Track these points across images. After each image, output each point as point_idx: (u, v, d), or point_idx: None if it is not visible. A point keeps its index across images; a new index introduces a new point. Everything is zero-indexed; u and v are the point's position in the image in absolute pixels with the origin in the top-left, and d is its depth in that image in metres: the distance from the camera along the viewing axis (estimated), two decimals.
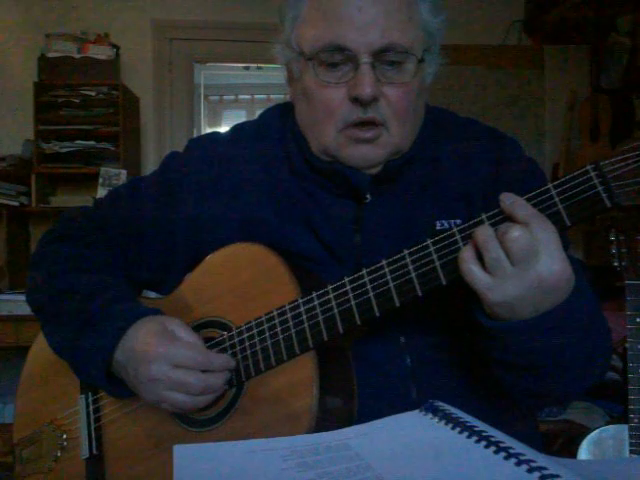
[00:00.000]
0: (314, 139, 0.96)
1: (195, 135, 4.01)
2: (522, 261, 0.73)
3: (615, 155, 0.73)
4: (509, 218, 0.75)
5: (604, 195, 0.73)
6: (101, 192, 3.28)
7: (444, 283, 0.79)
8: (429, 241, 0.80)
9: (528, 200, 0.76)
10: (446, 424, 0.65)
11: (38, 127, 3.40)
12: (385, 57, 0.89)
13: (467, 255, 0.76)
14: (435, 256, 0.79)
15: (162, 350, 0.87)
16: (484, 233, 0.75)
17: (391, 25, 0.88)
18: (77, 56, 3.45)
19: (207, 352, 0.89)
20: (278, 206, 0.98)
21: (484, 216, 0.77)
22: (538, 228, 0.73)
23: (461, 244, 0.78)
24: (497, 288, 0.74)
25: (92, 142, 3.45)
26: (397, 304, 0.81)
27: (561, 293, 0.76)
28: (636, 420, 1.66)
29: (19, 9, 3.71)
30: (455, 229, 0.79)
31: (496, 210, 0.77)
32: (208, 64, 4.61)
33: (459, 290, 0.78)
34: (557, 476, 0.52)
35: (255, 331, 0.89)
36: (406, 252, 0.81)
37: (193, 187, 1.03)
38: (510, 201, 0.75)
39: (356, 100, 0.89)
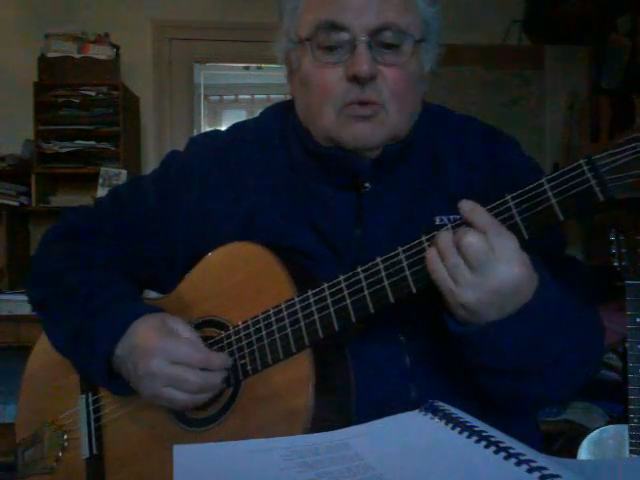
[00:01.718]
0: (315, 125, 0.96)
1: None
2: (480, 267, 0.74)
3: (609, 149, 0.73)
4: (468, 225, 0.76)
5: (597, 189, 0.73)
6: (101, 192, 3.28)
7: None
8: (423, 237, 0.81)
9: (522, 194, 0.76)
10: (446, 424, 0.65)
11: (38, 127, 3.40)
12: (382, 37, 0.90)
13: (432, 255, 0.77)
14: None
15: (162, 346, 0.87)
16: (444, 240, 0.77)
17: (387, 7, 0.90)
18: (77, 56, 3.45)
19: (206, 350, 0.89)
20: (279, 202, 0.98)
21: (449, 226, 0.79)
22: (494, 234, 0.74)
23: None
24: (458, 292, 0.76)
25: (92, 142, 3.45)
26: (392, 301, 0.82)
27: (523, 295, 0.77)
28: (636, 420, 1.66)
29: (19, 9, 3.71)
30: (449, 225, 0.80)
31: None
32: (208, 64, 4.61)
33: None
34: (557, 476, 0.52)
35: (252, 330, 0.90)
36: (400, 249, 0.81)
37: (194, 185, 1.03)
38: (469, 208, 0.76)
39: (354, 79, 0.90)
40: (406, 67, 0.92)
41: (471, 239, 0.74)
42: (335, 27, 0.90)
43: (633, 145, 0.71)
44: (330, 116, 0.93)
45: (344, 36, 0.90)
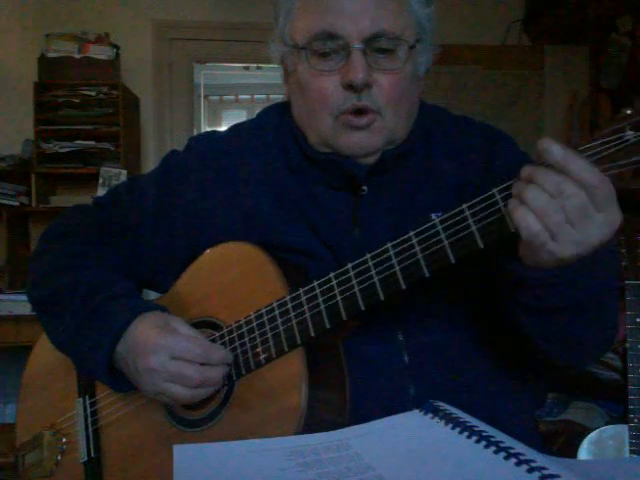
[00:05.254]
0: (311, 130, 0.97)
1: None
2: (582, 222, 0.69)
3: (595, 139, 0.71)
4: (561, 171, 0.69)
5: None
6: (101, 192, 3.28)
7: (427, 275, 0.79)
8: (411, 233, 0.80)
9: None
10: (446, 424, 0.65)
11: (38, 127, 3.40)
12: (376, 44, 0.90)
13: (522, 214, 0.70)
14: (418, 248, 0.79)
15: (162, 341, 0.87)
16: (541, 198, 0.68)
17: (381, 13, 0.90)
18: (77, 56, 3.45)
19: (207, 345, 0.89)
20: (276, 202, 0.98)
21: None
22: (596, 183, 0.68)
23: (443, 235, 0.77)
24: (558, 249, 0.71)
25: (92, 142, 3.45)
26: (382, 297, 0.82)
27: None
28: (636, 420, 1.66)
29: (19, 9, 3.71)
30: (436, 220, 0.78)
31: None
32: (208, 64, 4.61)
33: (458, 288, 0.77)
34: (557, 476, 0.52)
35: (245, 330, 0.90)
36: (389, 245, 0.81)
37: (192, 185, 1.03)
38: (562, 154, 0.68)
39: (349, 87, 0.90)
40: (401, 72, 0.92)
41: (573, 190, 0.68)
42: (330, 36, 0.90)
43: (619, 135, 0.70)
44: (327, 123, 0.93)
45: (339, 43, 0.90)
